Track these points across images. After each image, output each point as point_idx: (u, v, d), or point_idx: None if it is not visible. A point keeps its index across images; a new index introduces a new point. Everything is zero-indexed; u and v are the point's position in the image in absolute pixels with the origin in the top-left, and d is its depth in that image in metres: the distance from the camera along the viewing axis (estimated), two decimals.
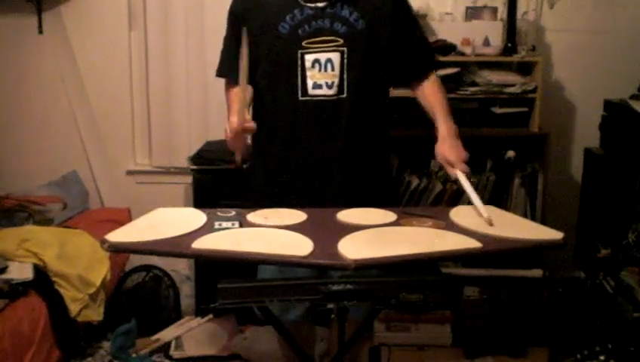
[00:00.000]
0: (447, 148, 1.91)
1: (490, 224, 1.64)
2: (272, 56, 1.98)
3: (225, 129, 1.79)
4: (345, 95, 1.96)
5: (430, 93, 2.07)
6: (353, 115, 1.97)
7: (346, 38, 1.94)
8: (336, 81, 1.95)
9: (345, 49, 1.94)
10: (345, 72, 1.95)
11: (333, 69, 1.95)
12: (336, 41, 1.94)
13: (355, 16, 1.95)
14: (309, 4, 1.94)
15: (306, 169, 2.00)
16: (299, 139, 1.99)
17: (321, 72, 1.95)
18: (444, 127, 1.96)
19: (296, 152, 2.00)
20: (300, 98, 1.96)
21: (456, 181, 1.89)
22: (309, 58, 1.94)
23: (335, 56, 1.95)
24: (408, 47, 2.05)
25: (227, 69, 2.08)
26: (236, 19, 2.03)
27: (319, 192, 1.99)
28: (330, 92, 1.96)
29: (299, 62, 1.95)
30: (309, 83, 1.95)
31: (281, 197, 2.00)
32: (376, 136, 2.06)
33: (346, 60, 1.95)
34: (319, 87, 1.95)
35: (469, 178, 1.84)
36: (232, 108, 1.96)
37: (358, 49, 1.95)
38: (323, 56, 1.95)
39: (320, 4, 1.94)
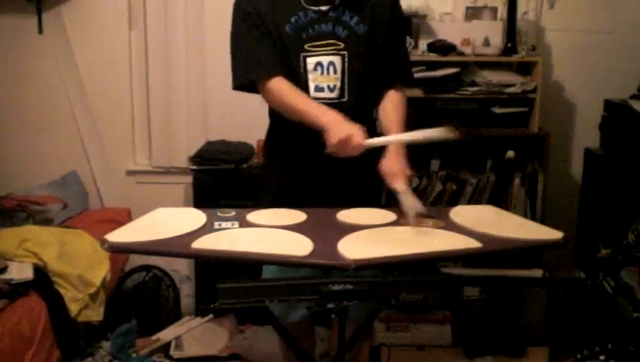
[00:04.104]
0: (393, 161, 1.88)
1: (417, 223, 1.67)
2: (280, 55, 1.97)
3: (345, 138, 1.73)
4: (346, 98, 1.96)
5: (391, 108, 2.02)
6: (355, 118, 1.96)
7: (347, 41, 1.95)
8: (338, 84, 1.95)
9: (345, 53, 1.95)
10: (346, 75, 1.95)
11: (335, 72, 1.95)
12: (337, 44, 1.95)
13: (356, 20, 1.95)
14: (312, 8, 1.94)
15: (309, 171, 2.00)
16: (302, 142, 1.98)
17: (324, 74, 1.95)
18: (394, 150, 1.91)
19: (300, 155, 2.00)
20: None
21: (394, 192, 1.84)
22: (310, 61, 1.94)
23: (337, 60, 1.95)
24: (396, 51, 2.06)
25: (263, 68, 1.94)
26: (256, 17, 1.97)
27: (323, 195, 1.99)
28: (332, 95, 1.96)
29: (301, 64, 1.95)
30: (311, 86, 1.95)
31: (288, 198, 1.99)
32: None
33: (346, 64, 1.95)
34: (321, 90, 1.95)
35: (407, 193, 1.80)
36: (317, 111, 1.85)
37: (357, 53, 1.96)
38: (325, 60, 1.95)
39: (323, 8, 1.94)
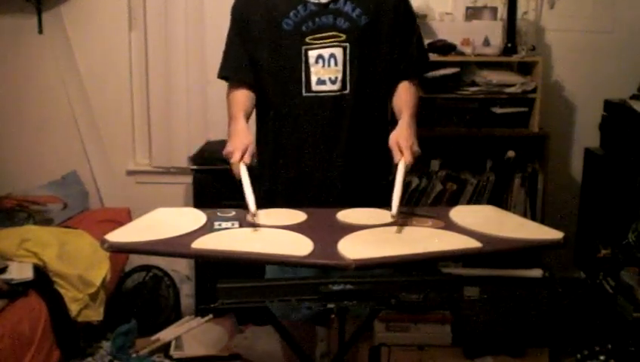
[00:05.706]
0: (403, 133, 1.86)
1: (395, 220, 1.65)
2: (276, 53, 1.97)
3: (229, 151, 1.82)
4: (348, 90, 1.96)
5: (404, 92, 2.04)
6: (356, 111, 1.97)
7: (348, 33, 1.94)
8: (340, 76, 1.95)
9: (347, 44, 1.95)
10: (348, 67, 1.95)
11: (336, 64, 1.95)
12: (339, 36, 1.95)
13: (357, 12, 1.95)
14: (312, 1, 1.95)
15: (309, 166, 2.00)
16: (302, 136, 1.99)
17: (325, 67, 1.95)
18: (405, 120, 1.92)
19: (300, 149, 2.00)
20: (304, 94, 1.96)
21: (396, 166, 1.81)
22: (312, 54, 1.94)
23: (338, 52, 1.95)
24: (405, 45, 2.05)
25: (230, 70, 2.06)
26: (239, 18, 2.03)
27: (323, 189, 1.99)
28: (334, 87, 1.95)
29: (303, 58, 1.94)
30: (313, 79, 1.95)
31: (285, 194, 1.99)
32: (379, 132, 2.05)
33: (348, 56, 1.95)
34: (323, 82, 1.96)
35: (407, 171, 1.78)
36: (233, 120, 1.94)
37: (359, 44, 1.95)
38: (326, 52, 1.95)
39: (323, 1, 1.95)
